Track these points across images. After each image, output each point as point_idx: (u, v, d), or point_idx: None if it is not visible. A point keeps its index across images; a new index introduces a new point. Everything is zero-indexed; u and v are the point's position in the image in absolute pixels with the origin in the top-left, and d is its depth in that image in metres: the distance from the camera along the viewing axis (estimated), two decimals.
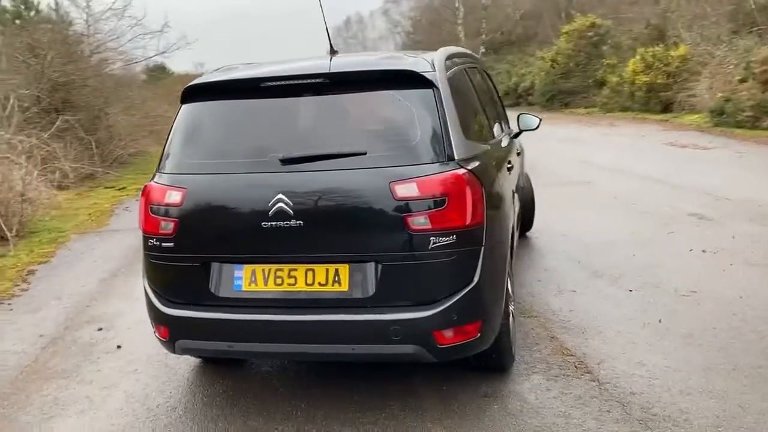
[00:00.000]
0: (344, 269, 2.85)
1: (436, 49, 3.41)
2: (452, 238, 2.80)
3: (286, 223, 2.84)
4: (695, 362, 3.47)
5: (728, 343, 3.68)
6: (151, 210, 3.08)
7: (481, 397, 3.26)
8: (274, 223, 2.85)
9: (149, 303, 3.18)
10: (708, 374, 3.32)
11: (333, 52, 3.45)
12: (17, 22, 16.66)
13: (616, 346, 3.71)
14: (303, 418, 3.15)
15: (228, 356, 3.04)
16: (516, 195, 4.34)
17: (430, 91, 2.97)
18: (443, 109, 2.95)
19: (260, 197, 2.87)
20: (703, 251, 5.41)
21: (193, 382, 3.60)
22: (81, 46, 17.14)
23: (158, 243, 3.07)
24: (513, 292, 3.63)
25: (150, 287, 3.18)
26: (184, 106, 3.23)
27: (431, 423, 3.04)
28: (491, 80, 5.19)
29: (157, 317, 3.12)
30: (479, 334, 2.94)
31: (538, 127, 5.38)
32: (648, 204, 7.35)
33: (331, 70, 3.05)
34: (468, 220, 2.83)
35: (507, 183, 3.67)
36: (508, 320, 3.28)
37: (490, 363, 3.37)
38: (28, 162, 8.42)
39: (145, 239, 3.12)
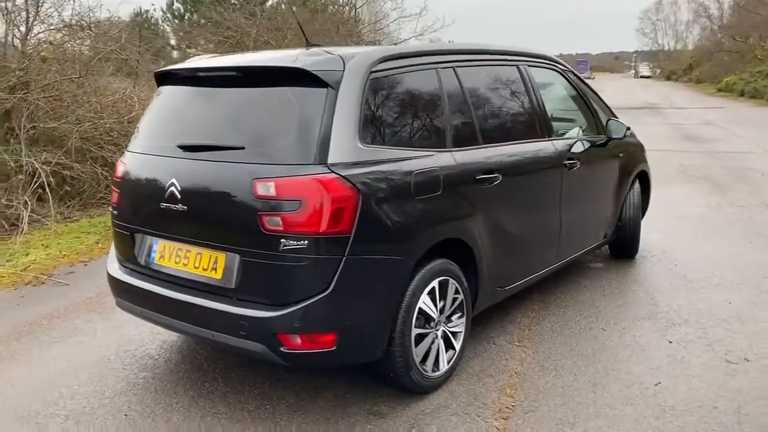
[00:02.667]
0: (222, 258, 2.95)
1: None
2: (303, 244, 2.72)
3: (175, 206, 3.03)
4: None
5: None
6: (113, 181, 3.52)
7: (367, 413, 3.11)
8: (167, 204, 3.06)
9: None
10: None
11: (309, 45, 3.48)
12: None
13: None
14: None
15: (147, 321, 3.33)
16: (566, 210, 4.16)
17: (324, 90, 2.87)
18: (333, 110, 2.84)
19: (161, 179, 3.10)
20: None
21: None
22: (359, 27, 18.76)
23: (112, 210, 3.49)
24: (444, 315, 3.33)
25: (113, 248, 3.62)
26: (157, 90, 3.58)
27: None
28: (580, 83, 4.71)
29: (107, 275, 3.54)
30: (335, 347, 2.82)
31: (624, 136, 4.74)
32: None
33: (236, 65, 3.13)
34: (323, 228, 2.72)
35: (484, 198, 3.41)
36: (405, 340, 3.04)
37: (391, 382, 3.18)
38: None
39: (112, 206, 3.56)
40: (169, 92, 3.43)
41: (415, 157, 3.13)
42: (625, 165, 5.09)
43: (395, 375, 3.12)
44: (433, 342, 3.25)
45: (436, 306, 3.23)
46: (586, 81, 4.94)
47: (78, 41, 8.06)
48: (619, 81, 63.11)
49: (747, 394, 3.21)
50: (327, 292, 2.76)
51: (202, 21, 17.87)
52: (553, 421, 3.02)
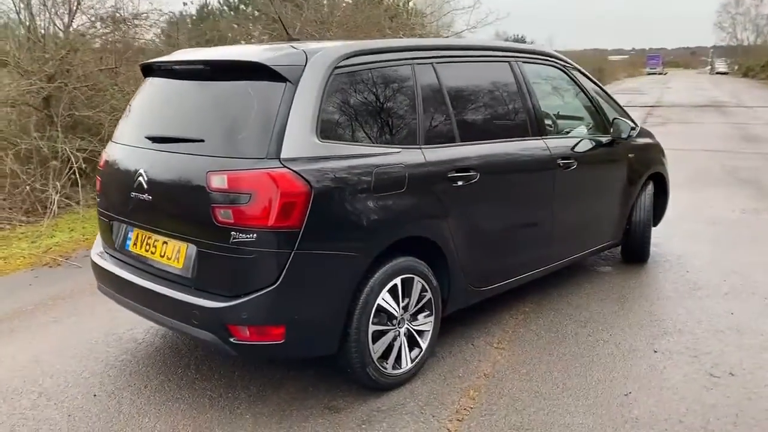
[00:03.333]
0: (184, 248, 3.02)
1: None
2: (252, 237, 2.76)
3: (142, 196, 3.12)
4: None
5: None
6: (97, 169, 3.65)
7: (324, 407, 3.13)
8: (136, 194, 3.15)
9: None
10: None
11: (290, 39, 3.51)
12: None
13: None
14: None
15: (123, 307, 3.43)
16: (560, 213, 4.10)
17: (282, 85, 2.89)
18: (290, 105, 2.85)
19: (132, 169, 3.20)
20: None
21: None
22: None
23: (97, 198, 3.63)
24: (410, 313, 3.31)
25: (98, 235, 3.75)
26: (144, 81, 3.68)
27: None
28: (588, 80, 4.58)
29: (90, 260, 3.68)
30: (284, 340, 2.85)
31: (629, 136, 4.59)
32: None
33: (204, 58, 3.18)
34: (272, 222, 2.74)
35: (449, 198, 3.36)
36: (361, 337, 3.04)
37: (350, 376, 3.19)
38: None
39: (96, 194, 3.69)
40: (149, 84, 3.52)
41: (378, 154, 3.11)
42: (636, 166, 4.92)
43: (352, 371, 3.12)
44: (394, 339, 3.24)
45: (398, 303, 3.21)
46: (593, 79, 4.79)
47: (119, 33, 8.32)
48: (691, 77, 60.88)
49: (720, 410, 3.06)
50: (275, 286, 2.78)
51: (256, 13, 18.16)
52: (507, 426, 2.97)
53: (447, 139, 3.49)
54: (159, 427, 2.97)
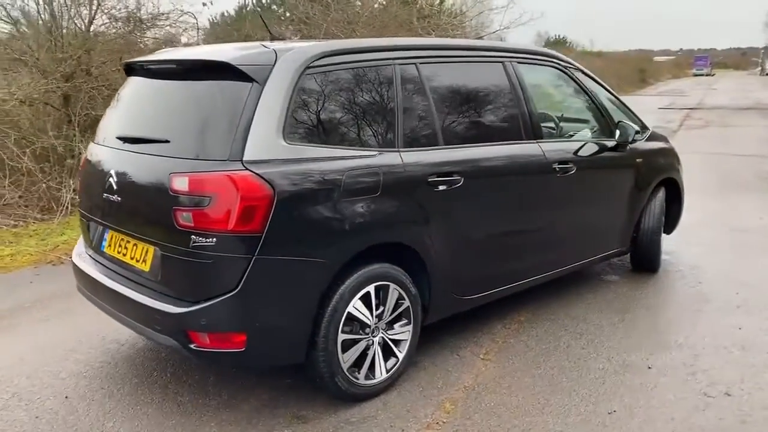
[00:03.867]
0: (151, 251, 2.97)
1: None
2: (212, 241, 2.69)
3: (113, 197, 3.08)
4: None
5: None
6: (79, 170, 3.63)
7: (292, 417, 3.04)
8: (107, 195, 3.12)
9: None
10: None
11: (272, 38, 3.45)
12: None
13: None
14: None
15: (98, 309, 3.39)
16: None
17: (248, 85, 2.81)
18: (256, 106, 2.77)
19: (104, 170, 3.17)
20: None
21: None
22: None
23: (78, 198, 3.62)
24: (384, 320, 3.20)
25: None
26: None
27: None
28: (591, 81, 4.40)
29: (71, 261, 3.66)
30: (245, 348, 2.78)
31: (633, 140, 4.40)
32: None
33: (175, 58, 3.12)
34: (232, 226, 2.67)
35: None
36: (329, 345, 2.94)
37: (318, 384, 3.10)
38: None
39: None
40: (128, 83, 3.48)
41: (351, 157, 3.01)
42: (645, 171, 4.70)
43: (321, 380, 3.03)
44: (368, 349, 3.13)
45: (371, 312, 3.10)
46: (598, 80, 4.59)
47: (138, 33, 8.40)
48: (739, 78, 59.05)
49: None
50: (234, 292, 2.71)
51: (287, 14, 18.25)
52: None
53: (429, 142, 3.36)
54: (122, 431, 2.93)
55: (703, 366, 3.51)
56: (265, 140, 2.77)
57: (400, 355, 3.28)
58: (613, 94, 4.70)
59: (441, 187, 3.32)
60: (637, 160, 4.64)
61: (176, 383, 3.36)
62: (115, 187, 3.06)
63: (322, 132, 3.00)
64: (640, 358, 3.61)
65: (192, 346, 2.79)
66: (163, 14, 8.78)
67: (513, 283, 3.90)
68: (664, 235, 5.19)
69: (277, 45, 3.05)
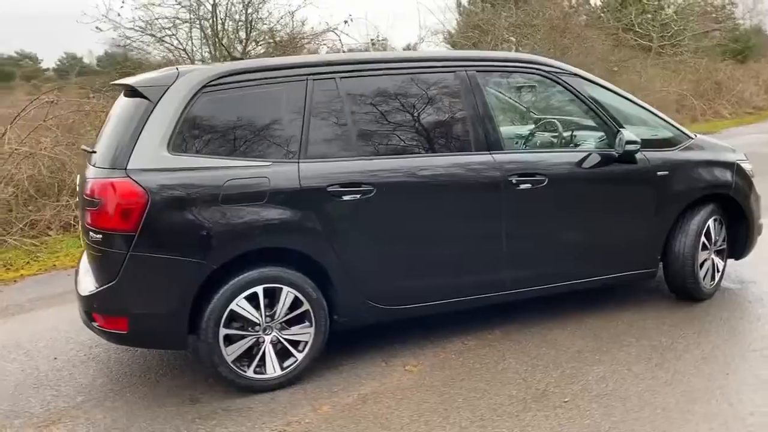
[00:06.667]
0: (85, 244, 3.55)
1: None
2: (100, 237, 3.19)
3: (77, 200, 3.75)
4: None
5: None
6: None
7: (188, 398, 3.40)
8: (77, 200, 3.79)
9: None
10: None
11: (233, 58, 3.88)
12: None
13: None
14: None
15: None
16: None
17: (145, 103, 3.25)
18: (145, 121, 3.21)
19: (80, 178, 3.83)
20: None
21: None
22: None
23: None
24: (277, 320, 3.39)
25: None
26: None
27: None
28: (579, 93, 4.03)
29: None
30: (128, 331, 3.22)
31: (631, 150, 3.93)
32: None
33: (119, 81, 3.65)
34: (111, 225, 3.14)
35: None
36: (209, 338, 3.24)
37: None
38: None
39: None
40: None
41: (235, 167, 3.27)
42: (674, 185, 4.14)
43: (209, 368, 3.35)
44: (257, 345, 3.36)
45: (260, 311, 3.32)
46: (602, 82, 4.14)
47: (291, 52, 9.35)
48: None
49: None
50: (114, 282, 3.17)
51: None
52: None
53: (341, 154, 3.47)
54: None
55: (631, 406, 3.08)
56: (149, 151, 3.18)
57: (299, 356, 3.44)
58: (631, 100, 4.21)
59: (347, 198, 3.41)
60: (659, 173, 4.10)
61: (118, 365, 3.86)
62: (77, 191, 3.71)
63: (211, 144, 3.31)
64: (556, 391, 3.29)
65: (94, 324, 3.31)
66: (318, 33, 9.62)
67: (460, 297, 3.77)
68: (732, 261, 4.52)
69: (190, 67, 3.44)
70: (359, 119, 3.55)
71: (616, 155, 3.95)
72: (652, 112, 4.29)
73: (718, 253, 4.44)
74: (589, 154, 3.98)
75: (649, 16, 20.61)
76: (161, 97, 3.24)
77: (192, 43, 8.94)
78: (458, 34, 14.71)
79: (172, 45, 8.98)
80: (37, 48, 30.45)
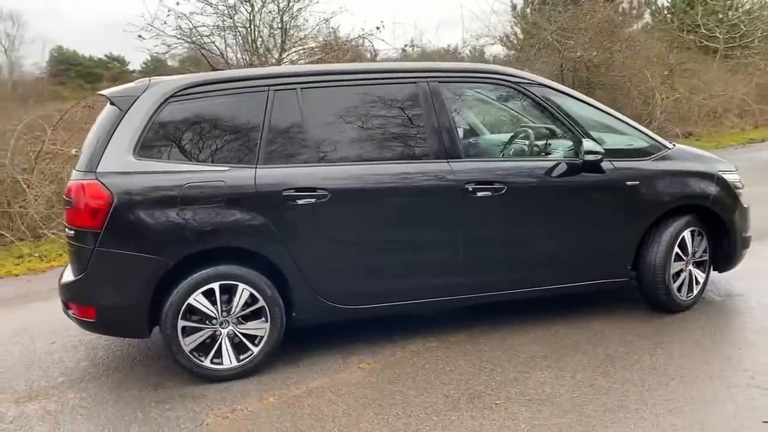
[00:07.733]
0: None
1: None
2: (73, 233, 3.53)
3: None
4: None
5: None
6: None
7: (152, 384, 3.70)
8: None
9: None
10: None
11: (212, 69, 4.17)
12: None
13: None
14: None
15: None
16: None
17: (117, 111, 3.57)
18: (115, 128, 3.53)
19: None
20: None
21: None
22: None
23: None
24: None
25: None
26: None
27: None
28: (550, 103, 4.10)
29: None
30: (96, 320, 3.55)
31: (594, 160, 3.97)
32: None
33: (100, 92, 3.98)
34: (80, 222, 3.47)
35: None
36: (168, 329, 3.51)
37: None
38: None
39: None
40: None
41: (193, 171, 3.54)
42: (644, 195, 4.13)
43: (169, 357, 3.63)
44: (214, 338, 3.61)
45: (216, 306, 3.58)
46: (574, 93, 4.17)
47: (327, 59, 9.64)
48: None
49: None
50: (83, 275, 3.50)
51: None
52: None
53: (298, 160, 3.68)
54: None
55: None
56: (116, 156, 3.49)
57: (255, 349, 3.67)
58: (601, 110, 4.23)
59: (302, 201, 3.61)
60: (628, 182, 4.11)
61: (92, 352, 4.21)
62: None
63: (174, 150, 3.59)
64: (492, 394, 3.38)
65: (70, 312, 3.65)
66: (351, 40, 9.88)
67: (416, 299, 3.92)
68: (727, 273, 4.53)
69: (161, 78, 3.73)
70: (318, 128, 3.75)
71: (581, 164, 3.99)
72: (627, 123, 4.29)
73: (699, 264, 4.39)
74: (558, 164, 4.04)
75: (720, 15, 19.86)
76: (130, 107, 3.54)
77: (227, 49, 9.45)
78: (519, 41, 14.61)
79: (210, 52, 9.46)
80: (126, 51, 32.24)
